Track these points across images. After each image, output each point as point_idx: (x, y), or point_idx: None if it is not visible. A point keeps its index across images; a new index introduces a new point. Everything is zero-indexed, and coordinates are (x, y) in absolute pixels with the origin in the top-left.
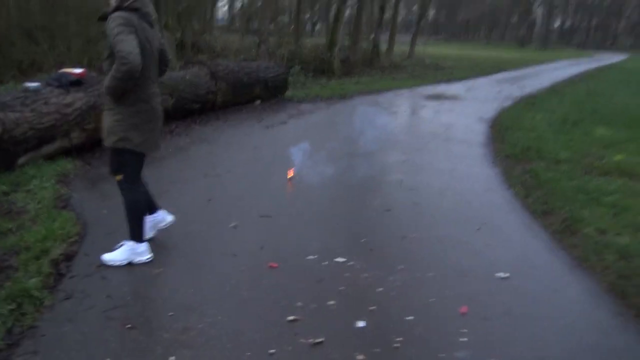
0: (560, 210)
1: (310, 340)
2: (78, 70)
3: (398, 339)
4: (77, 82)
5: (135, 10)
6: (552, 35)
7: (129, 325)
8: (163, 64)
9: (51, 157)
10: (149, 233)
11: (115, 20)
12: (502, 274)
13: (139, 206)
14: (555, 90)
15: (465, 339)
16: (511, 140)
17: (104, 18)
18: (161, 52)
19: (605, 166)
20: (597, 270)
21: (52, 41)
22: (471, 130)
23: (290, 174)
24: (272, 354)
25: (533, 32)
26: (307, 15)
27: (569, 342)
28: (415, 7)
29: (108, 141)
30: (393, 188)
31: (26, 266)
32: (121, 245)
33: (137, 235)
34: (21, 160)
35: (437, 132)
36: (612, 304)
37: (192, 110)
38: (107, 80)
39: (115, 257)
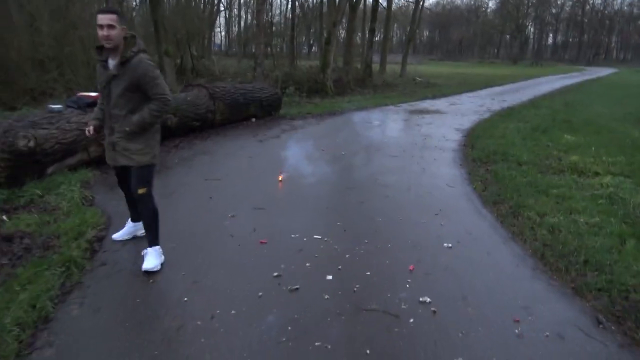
0: (510, 200)
1: (289, 287)
2: (93, 94)
3: (357, 286)
4: (93, 104)
5: (145, 51)
6: (545, 52)
7: (152, 281)
8: None
9: (74, 168)
10: (124, 236)
11: (149, 63)
12: (447, 244)
13: (157, 214)
14: (534, 103)
15: (409, 286)
16: (480, 146)
17: (128, 60)
18: None
19: (560, 166)
20: (527, 242)
21: (61, 70)
22: (446, 139)
23: (280, 177)
24: (260, 296)
25: (526, 49)
26: (303, 38)
27: (490, 287)
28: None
29: (142, 161)
30: (368, 185)
31: (68, 244)
32: (146, 254)
33: (157, 239)
34: (49, 170)
35: (414, 141)
36: (533, 263)
37: (193, 128)
38: (146, 117)
39: (153, 264)
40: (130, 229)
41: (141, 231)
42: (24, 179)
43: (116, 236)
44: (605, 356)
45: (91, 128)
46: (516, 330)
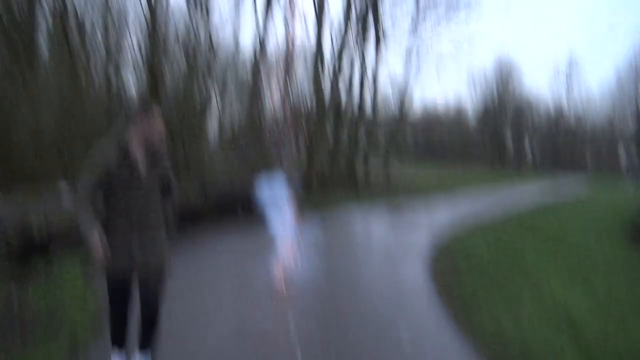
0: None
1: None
2: None
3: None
4: None
5: None
6: (524, 160)
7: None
8: None
9: (75, 246)
10: None
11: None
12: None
13: None
14: (505, 207)
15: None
16: (448, 246)
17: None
18: None
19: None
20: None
21: (60, 154)
22: (418, 239)
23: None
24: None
25: (504, 156)
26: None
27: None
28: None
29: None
30: (342, 277)
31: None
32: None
33: None
34: (53, 247)
35: (388, 241)
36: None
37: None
38: (176, 211)
39: None
40: None
41: None
42: (31, 256)
43: None
44: None
45: (109, 255)
46: None
